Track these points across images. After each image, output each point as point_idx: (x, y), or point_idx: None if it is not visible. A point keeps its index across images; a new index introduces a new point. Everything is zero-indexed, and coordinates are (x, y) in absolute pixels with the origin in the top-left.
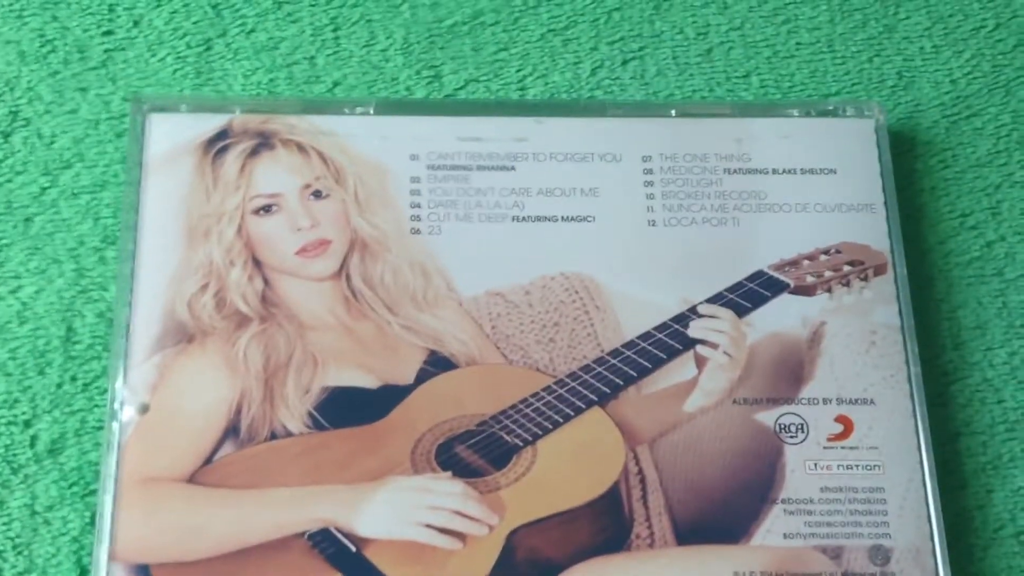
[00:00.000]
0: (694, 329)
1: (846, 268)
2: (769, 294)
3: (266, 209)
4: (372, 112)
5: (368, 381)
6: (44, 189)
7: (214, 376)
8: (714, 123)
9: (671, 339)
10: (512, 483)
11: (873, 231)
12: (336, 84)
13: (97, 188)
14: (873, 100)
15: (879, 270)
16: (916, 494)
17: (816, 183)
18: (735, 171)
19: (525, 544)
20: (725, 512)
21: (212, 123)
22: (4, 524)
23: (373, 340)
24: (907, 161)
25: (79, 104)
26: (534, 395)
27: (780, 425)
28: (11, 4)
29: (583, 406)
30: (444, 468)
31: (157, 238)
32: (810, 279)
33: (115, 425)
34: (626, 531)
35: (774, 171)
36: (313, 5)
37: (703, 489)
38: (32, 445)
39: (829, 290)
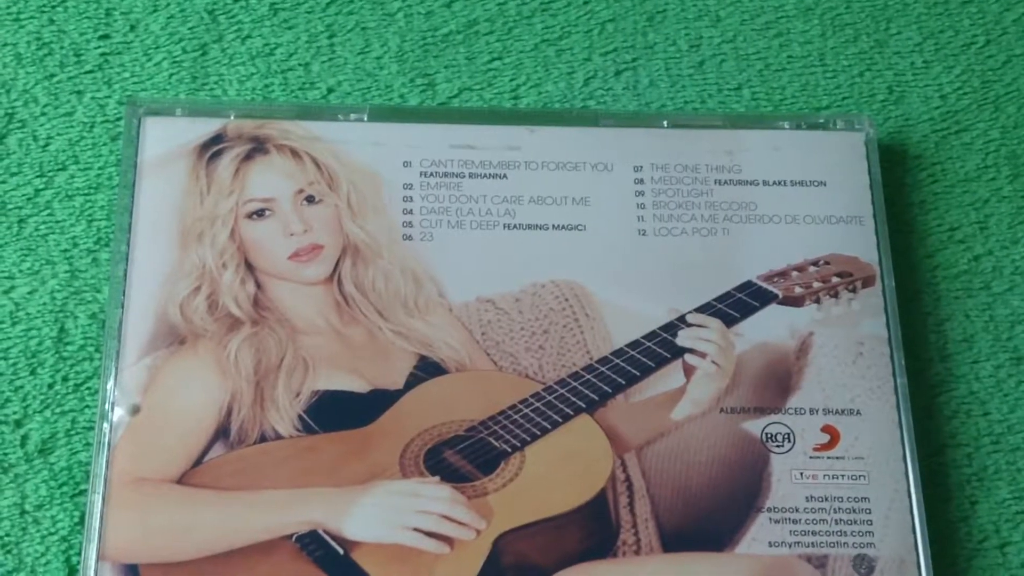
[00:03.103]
0: (683, 338)
1: (834, 280)
2: (758, 304)
3: (259, 213)
4: (366, 119)
5: (358, 385)
6: (38, 191)
7: (205, 378)
8: (705, 134)
9: (660, 348)
10: (500, 488)
11: (862, 243)
12: (330, 90)
13: (91, 190)
14: (863, 114)
15: (867, 282)
16: (901, 504)
17: (806, 195)
18: (725, 182)
19: (512, 549)
20: (711, 520)
21: (207, 127)
22: None
23: (364, 345)
24: (896, 175)
25: (75, 107)
26: (523, 401)
27: (767, 434)
28: (8, 7)
29: (571, 413)
30: (432, 473)
31: (150, 241)
32: (798, 290)
33: (106, 426)
34: (613, 538)
35: (764, 183)
36: (309, 12)
37: (690, 497)
38: (23, 444)
39: (817, 301)
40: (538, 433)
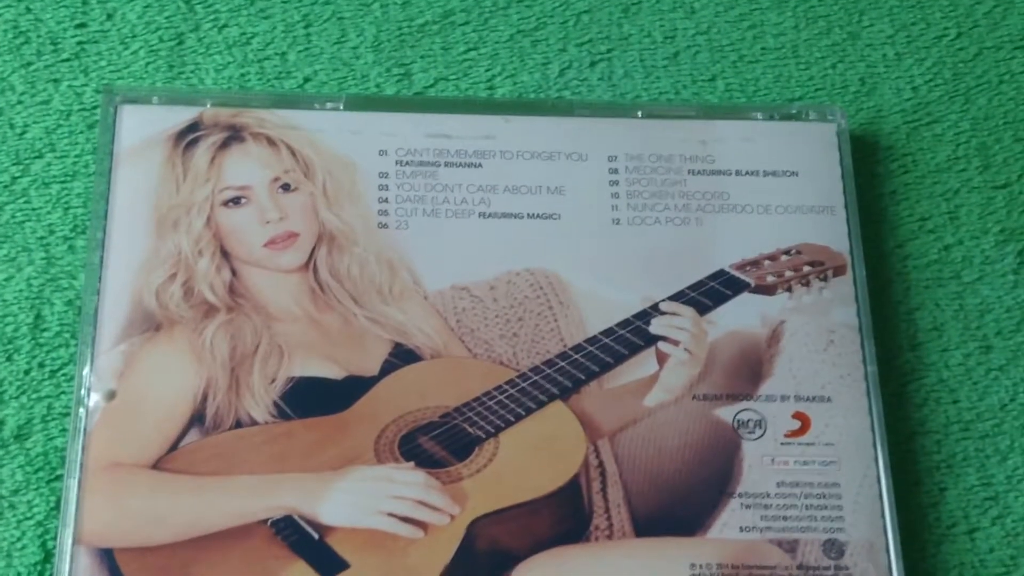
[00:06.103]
0: (656, 326)
1: (806, 268)
2: (730, 293)
3: (235, 201)
4: (342, 108)
5: (333, 372)
6: (15, 178)
7: (180, 364)
8: (679, 125)
9: (633, 335)
10: (474, 474)
11: (833, 233)
12: (307, 80)
13: (68, 178)
14: (836, 105)
15: (838, 271)
16: (871, 490)
17: (778, 185)
18: (699, 172)
19: (485, 534)
20: (683, 505)
21: (183, 115)
22: None
23: (339, 332)
24: (868, 165)
25: (51, 95)
26: (497, 388)
27: (739, 421)
28: None
29: (545, 400)
30: (407, 458)
31: (126, 228)
32: (771, 279)
33: (81, 411)
34: (585, 523)
35: (737, 172)
36: (285, 1)
37: (662, 482)
38: None
39: (789, 290)
40: (512, 420)
